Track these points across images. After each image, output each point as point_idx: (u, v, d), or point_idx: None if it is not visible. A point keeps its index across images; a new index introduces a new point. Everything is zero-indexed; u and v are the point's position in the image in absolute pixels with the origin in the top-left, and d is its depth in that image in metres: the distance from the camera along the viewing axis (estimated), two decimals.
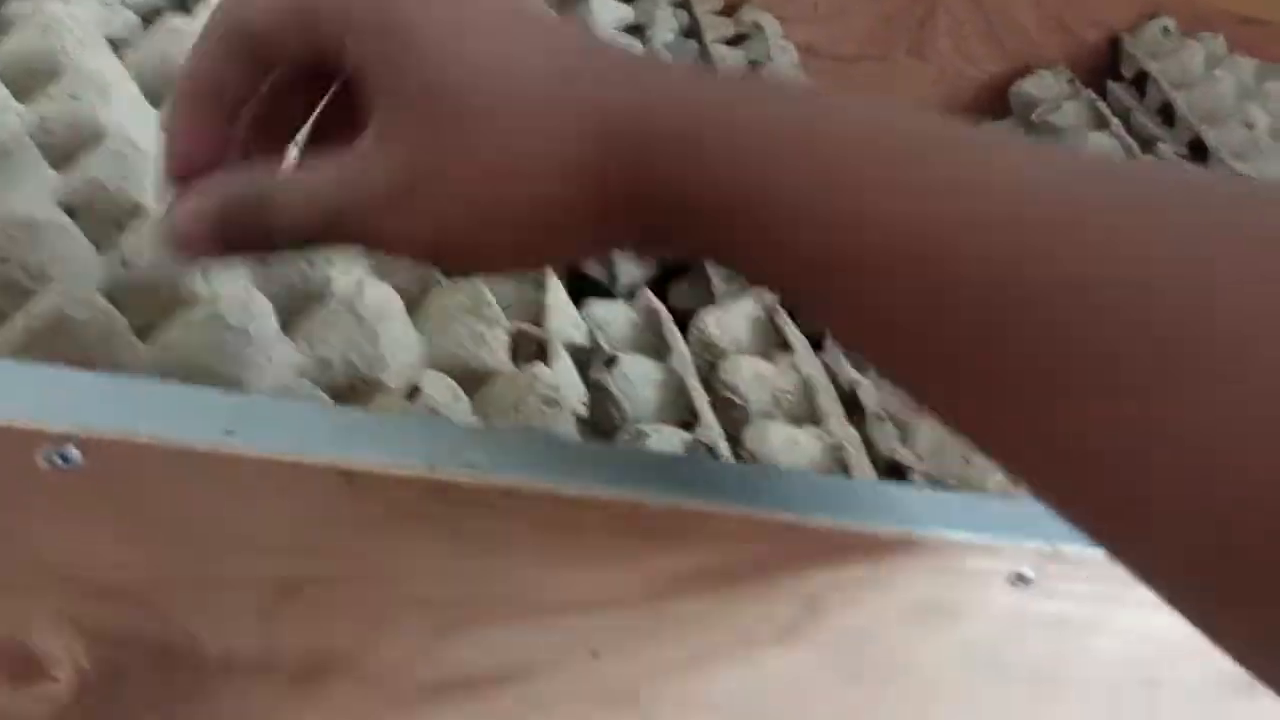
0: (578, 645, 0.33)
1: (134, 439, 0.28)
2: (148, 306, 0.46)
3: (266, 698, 0.32)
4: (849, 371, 0.70)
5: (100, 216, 0.50)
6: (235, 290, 0.44)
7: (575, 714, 0.34)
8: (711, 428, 0.66)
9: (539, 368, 0.48)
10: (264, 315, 0.45)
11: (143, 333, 0.45)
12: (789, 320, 0.74)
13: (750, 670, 0.35)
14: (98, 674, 0.31)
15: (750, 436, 0.67)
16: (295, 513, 0.30)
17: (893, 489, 0.35)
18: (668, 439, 0.56)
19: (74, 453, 0.27)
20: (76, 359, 0.39)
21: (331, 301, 0.50)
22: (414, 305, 0.51)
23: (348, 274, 0.52)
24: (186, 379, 0.42)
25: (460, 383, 0.48)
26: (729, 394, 0.70)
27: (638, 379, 0.69)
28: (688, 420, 0.69)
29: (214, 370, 0.43)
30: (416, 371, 0.51)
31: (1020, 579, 0.34)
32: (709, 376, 0.71)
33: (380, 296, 0.48)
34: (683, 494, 0.31)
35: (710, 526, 0.32)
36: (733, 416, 0.69)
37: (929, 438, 0.65)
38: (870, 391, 0.68)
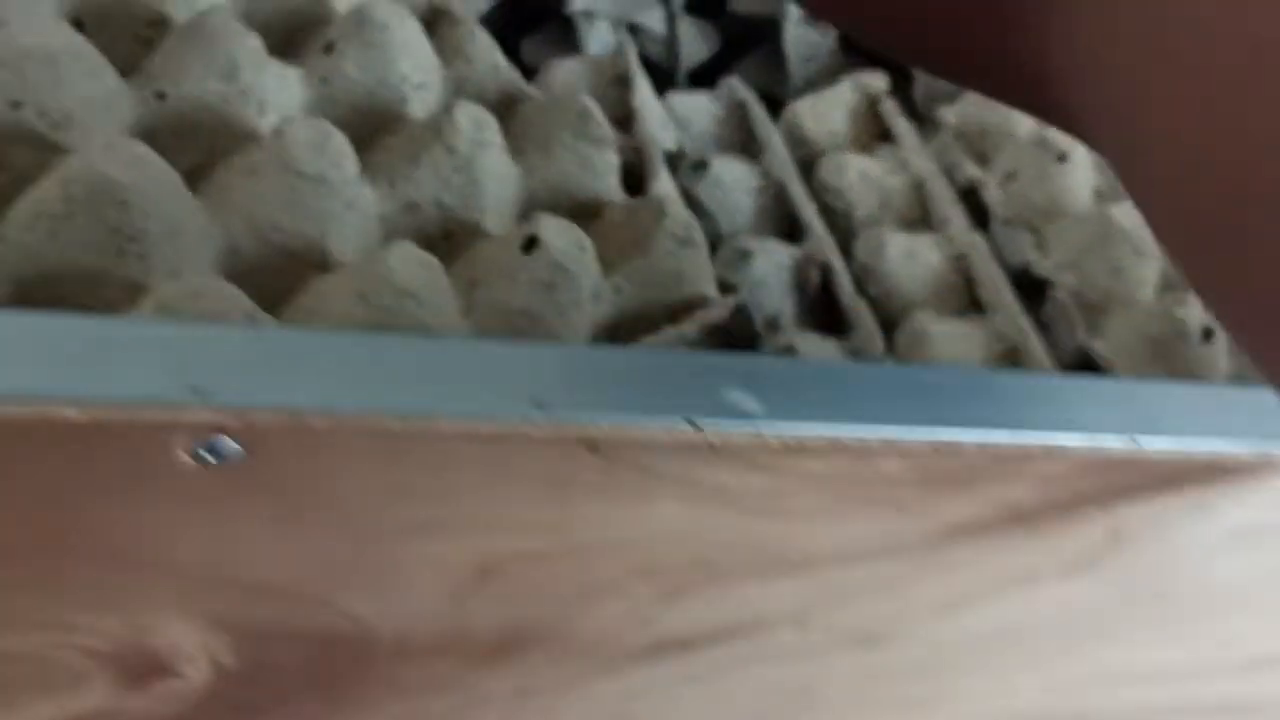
0: (829, 595, 0.27)
1: (304, 422, 0.20)
2: (193, 148, 0.38)
3: (452, 672, 0.26)
4: (968, 168, 0.61)
5: (118, 31, 0.40)
6: (303, 127, 0.35)
7: (816, 654, 0.28)
8: (823, 240, 0.58)
9: (664, 198, 0.40)
10: (342, 155, 0.37)
11: (191, 182, 0.37)
12: (895, 108, 0.65)
13: (1022, 605, 0.29)
14: (240, 669, 0.24)
15: (861, 248, 0.60)
16: (504, 489, 0.23)
17: (1235, 398, 0.28)
18: (815, 348, 0.48)
19: (227, 444, 0.20)
20: (125, 228, 0.31)
21: (413, 128, 0.41)
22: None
23: (424, 91, 0.43)
24: (254, 239, 0.34)
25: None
26: (830, 198, 0.62)
27: (731, 185, 0.61)
28: (790, 231, 0.61)
29: (285, 226, 0.35)
30: (518, 211, 0.42)
31: None
32: (805, 175, 0.63)
33: (472, 119, 0.39)
34: (988, 427, 0.24)
35: (1025, 467, 0.25)
36: (835, 223, 0.61)
37: (1066, 244, 0.58)
38: (993, 190, 0.60)
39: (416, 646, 0.26)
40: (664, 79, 0.71)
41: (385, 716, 0.28)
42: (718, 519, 0.25)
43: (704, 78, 0.75)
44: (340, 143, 0.37)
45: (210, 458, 0.20)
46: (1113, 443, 0.25)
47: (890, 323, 0.57)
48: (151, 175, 0.30)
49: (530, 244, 0.37)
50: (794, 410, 0.23)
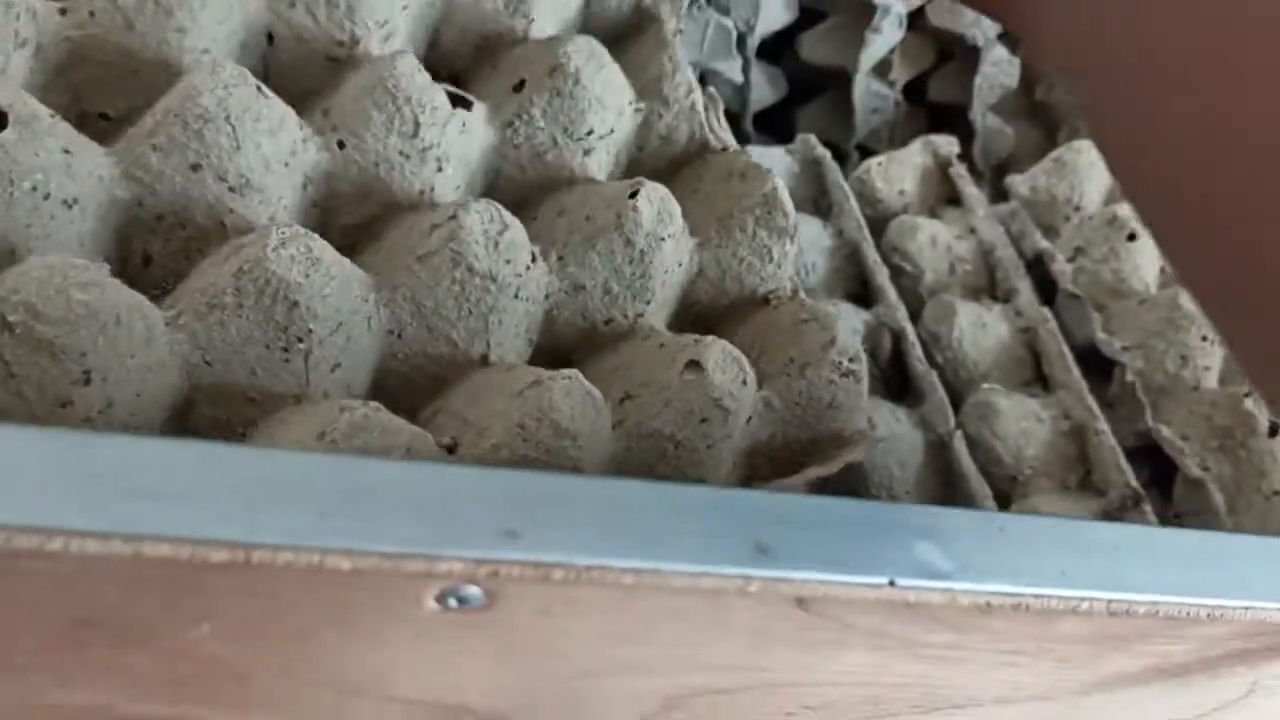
0: None
1: (549, 575, 0.21)
2: (367, 202, 0.38)
3: None
4: (1037, 240, 0.62)
5: (308, 49, 0.40)
6: (480, 216, 0.35)
7: None
8: (895, 308, 0.59)
9: (831, 317, 0.40)
10: (516, 249, 0.36)
11: (361, 240, 0.37)
12: (965, 174, 0.66)
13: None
14: None
15: (930, 315, 0.61)
16: (708, 635, 0.23)
17: None
18: (888, 418, 0.49)
19: (473, 592, 0.21)
20: (294, 328, 0.31)
21: (593, 204, 0.40)
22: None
23: (610, 141, 0.43)
24: (419, 326, 0.34)
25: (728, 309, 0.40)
26: (899, 260, 0.63)
27: (807, 245, 0.62)
28: (860, 293, 0.62)
29: (450, 317, 0.35)
30: (682, 291, 0.42)
31: None
32: (875, 238, 0.64)
33: (655, 210, 0.39)
34: (1150, 590, 0.25)
35: (1189, 630, 0.26)
36: (904, 287, 0.62)
37: (1132, 324, 0.59)
38: (1064, 266, 0.61)
39: None
40: (732, 121, 0.72)
41: None
42: (897, 665, 0.26)
43: (769, 120, 0.76)
44: (516, 235, 0.36)
45: (456, 604, 0.21)
46: (1270, 606, 0.26)
47: (956, 392, 0.58)
48: (323, 273, 0.30)
49: (690, 367, 0.36)
50: (983, 568, 0.24)
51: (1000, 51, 0.76)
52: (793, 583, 0.22)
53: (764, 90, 0.76)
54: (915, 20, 0.78)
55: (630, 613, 0.22)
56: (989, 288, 0.64)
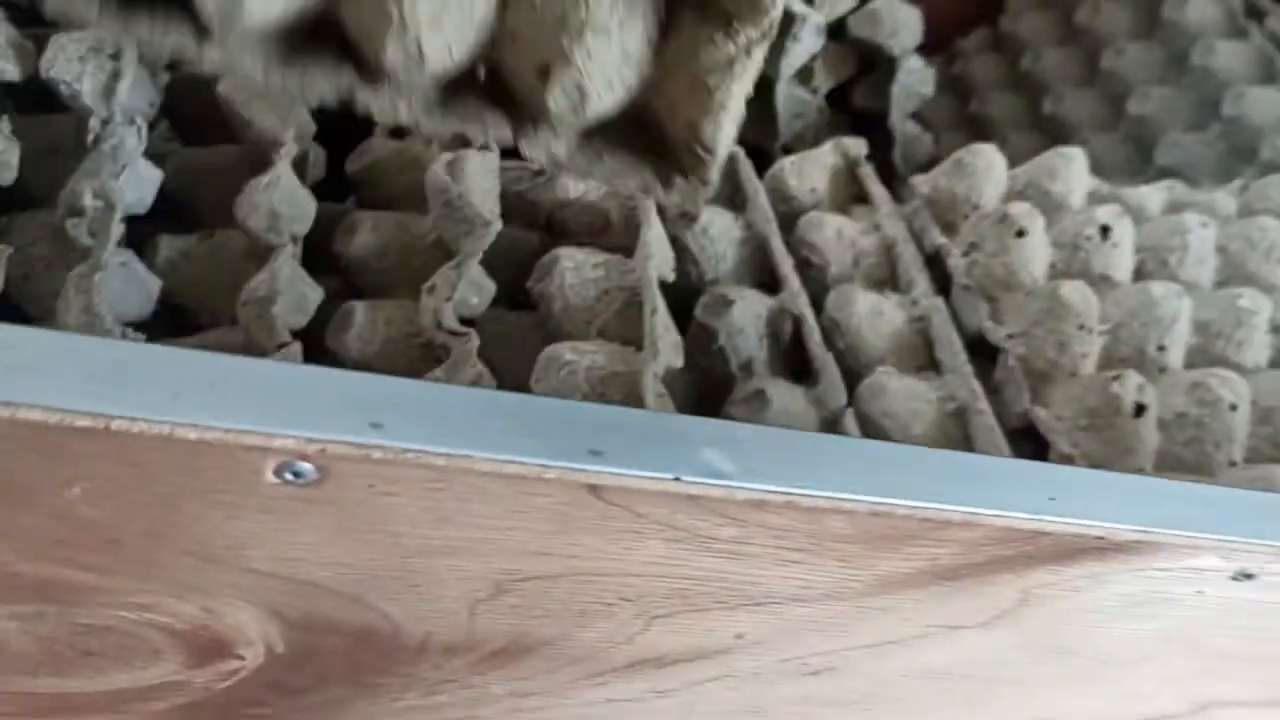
0: (782, 628, 0.32)
1: (369, 455, 0.25)
2: None
3: (463, 670, 0.31)
4: (935, 235, 0.67)
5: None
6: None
7: (767, 682, 0.33)
8: (798, 295, 0.63)
9: None
10: None
11: None
12: (872, 174, 0.70)
13: (945, 650, 0.34)
14: (289, 654, 0.29)
15: (832, 304, 0.65)
16: (527, 522, 0.27)
17: (1131, 486, 0.33)
18: (784, 394, 0.53)
19: (306, 467, 0.25)
20: None
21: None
22: None
23: None
24: None
25: None
26: (807, 252, 0.68)
27: (718, 235, 0.66)
28: (768, 281, 0.66)
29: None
30: None
31: (1244, 575, 0.33)
32: (785, 229, 0.68)
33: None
34: (927, 497, 0.29)
35: (947, 534, 0.30)
36: (810, 278, 0.66)
37: (1018, 315, 0.63)
38: (958, 261, 0.65)
39: (435, 646, 0.30)
40: None
41: (403, 706, 0.32)
42: (694, 558, 0.29)
43: None
44: None
45: (292, 478, 0.25)
46: (1021, 517, 0.30)
47: (854, 374, 0.62)
48: None
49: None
50: (760, 471, 0.28)
51: (915, 61, 0.80)
52: (586, 472, 0.26)
53: None
54: (837, 31, 0.82)
55: (445, 494, 0.26)
56: (890, 279, 0.68)
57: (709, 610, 0.31)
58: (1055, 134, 0.97)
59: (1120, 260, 0.67)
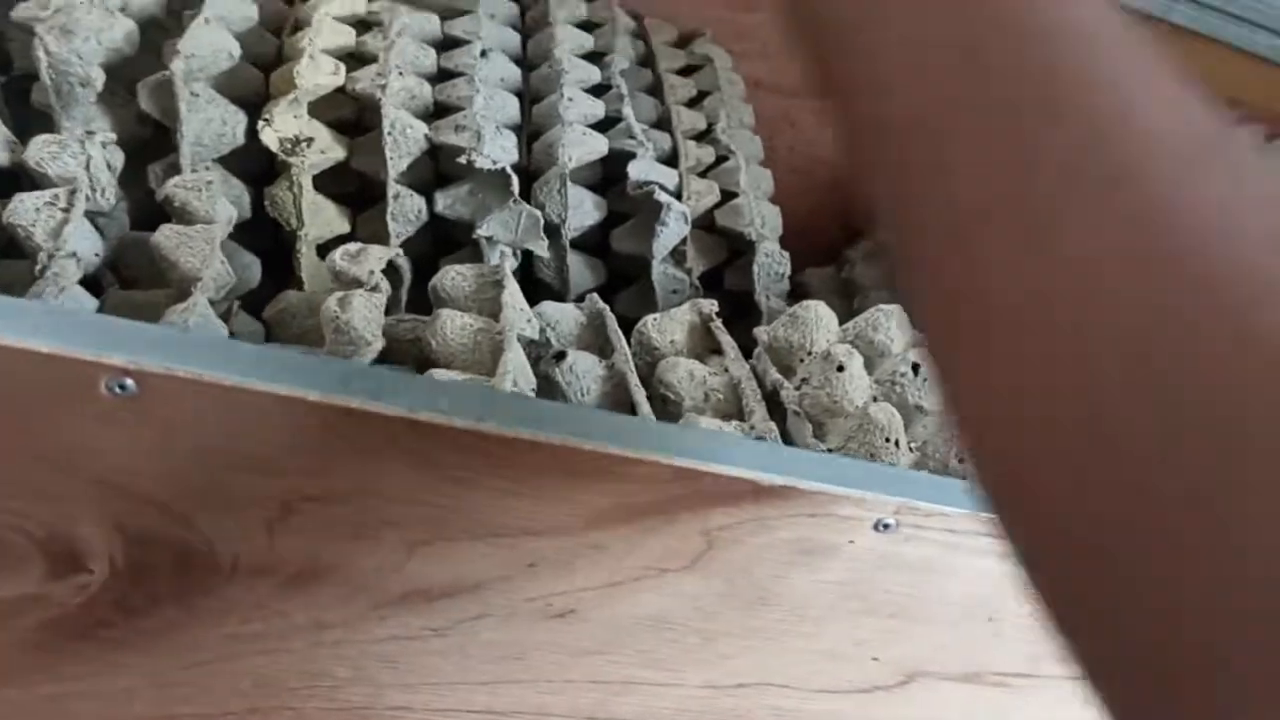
0: (520, 563, 0.41)
1: (176, 374, 0.35)
2: None
3: (270, 596, 0.40)
4: (773, 374, 0.78)
5: None
6: None
7: (523, 622, 0.42)
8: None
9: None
10: None
11: None
12: (721, 327, 0.82)
13: (662, 593, 0.43)
14: (128, 569, 0.38)
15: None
16: (300, 442, 0.37)
17: (776, 449, 0.43)
18: None
19: (129, 383, 0.35)
20: None
21: None
22: None
23: None
24: None
25: None
26: (665, 390, 0.78)
27: (583, 372, 0.77)
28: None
29: None
30: None
31: (883, 526, 0.42)
32: (648, 375, 0.79)
33: None
34: (609, 442, 0.39)
35: (630, 470, 0.40)
36: (668, 410, 0.77)
37: (839, 432, 0.73)
38: (791, 393, 0.76)
39: (247, 566, 0.39)
40: (557, 298, 0.88)
41: (225, 634, 0.41)
42: (435, 484, 0.39)
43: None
44: None
45: (120, 391, 0.35)
46: (689, 463, 0.39)
47: None
48: None
49: None
50: (478, 411, 0.38)
51: (771, 245, 0.94)
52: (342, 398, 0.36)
53: (584, 275, 0.94)
54: (707, 222, 0.96)
55: (221, 415, 0.36)
56: (736, 412, 0.78)
57: (457, 540, 0.40)
58: None
59: (931, 393, 0.78)
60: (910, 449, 0.73)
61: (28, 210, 0.61)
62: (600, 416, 0.40)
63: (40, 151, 0.61)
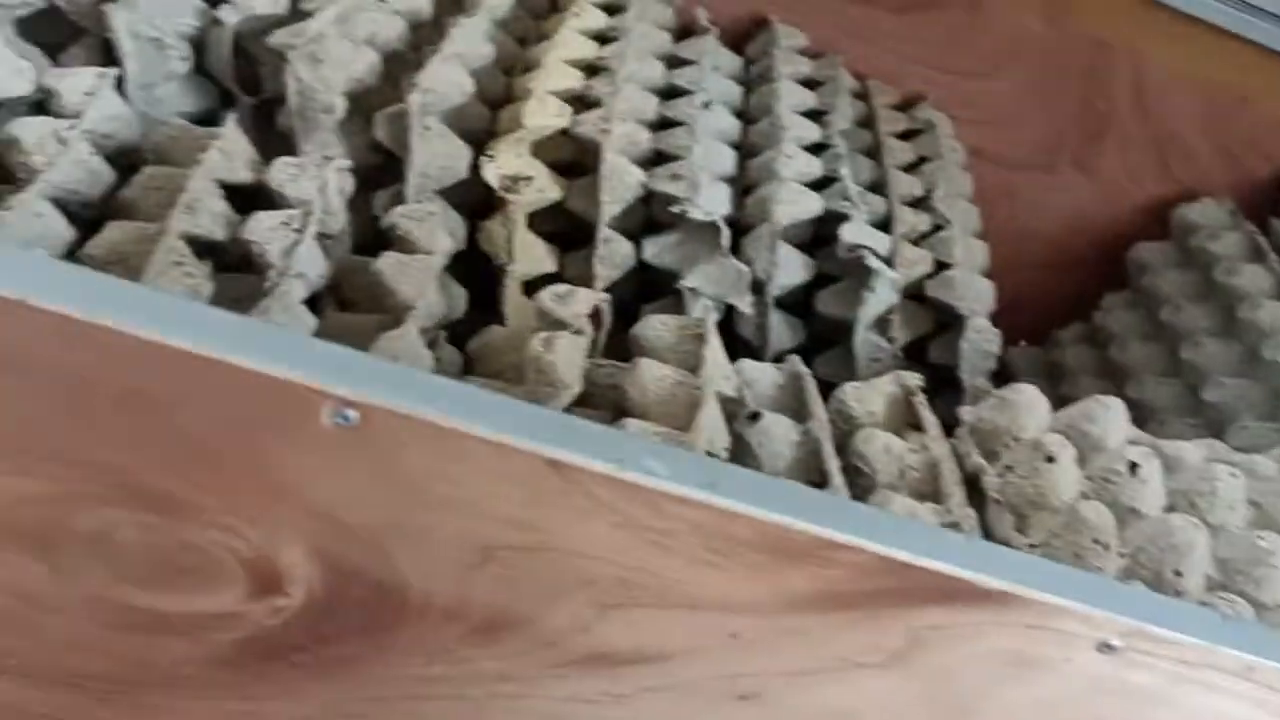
0: (712, 638, 0.39)
1: (398, 409, 0.35)
2: None
3: (456, 641, 0.39)
4: (976, 458, 0.74)
5: None
6: None
7: (705, 700, 0.40)
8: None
9: None
10: None
11: None
12: (924, 402, 0.79)
13: (854, 688, 0.40)
14: (325, 596, 0.38)
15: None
16: (508, 491, 0.37)
17: (1000, 549, 0.41)
18: None
19: (352, 414, 0.35)
20: None
21: None
22: None
23: None
24: None
25: None
26: (859, 462, 0.76)
27: (777, 436, 0.75)
28: (817, 481, 0.74)
29: None
30: None
31: (1107, 647, 0.39)
32: (843, 444, 0.77)
33: None
34: (819, 522, 0.37)
35: (838, 555, 0.38)
36: (860, 484, 0.74)
37: (1042, 526, 0.69)
38: (994, 480, 0.73)
39: (436, 608, 0.39)
40: (754, 355, 0.87)
41: (408, 676, 0.41)
42: (632, 548, 0.37)
43: None
44: None
45: (342, 421, 0.35)
46: (898, 552, 0.37)
47: None
48: None
49: None
50: (688, 477, 0.36)
51: (982, 321, 0.90)
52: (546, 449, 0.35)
53: (784, 335, 0.92)
54: (916, 293, 0.94)
55: (436, 454, 0.35)
56: (933, 494, 0.75)
57: (648, 607, 0.39)
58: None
59: (1147, 496, 0.73)
60: (1120, 555, 0.69)
61: (264, 229, 0.63)
62: (811, 495, 0.38)
63: (282, 173, 0.63)
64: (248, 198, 0.65)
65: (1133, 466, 0.73)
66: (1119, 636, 0.39)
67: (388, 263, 0.67)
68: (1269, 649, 0.42)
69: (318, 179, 0.67)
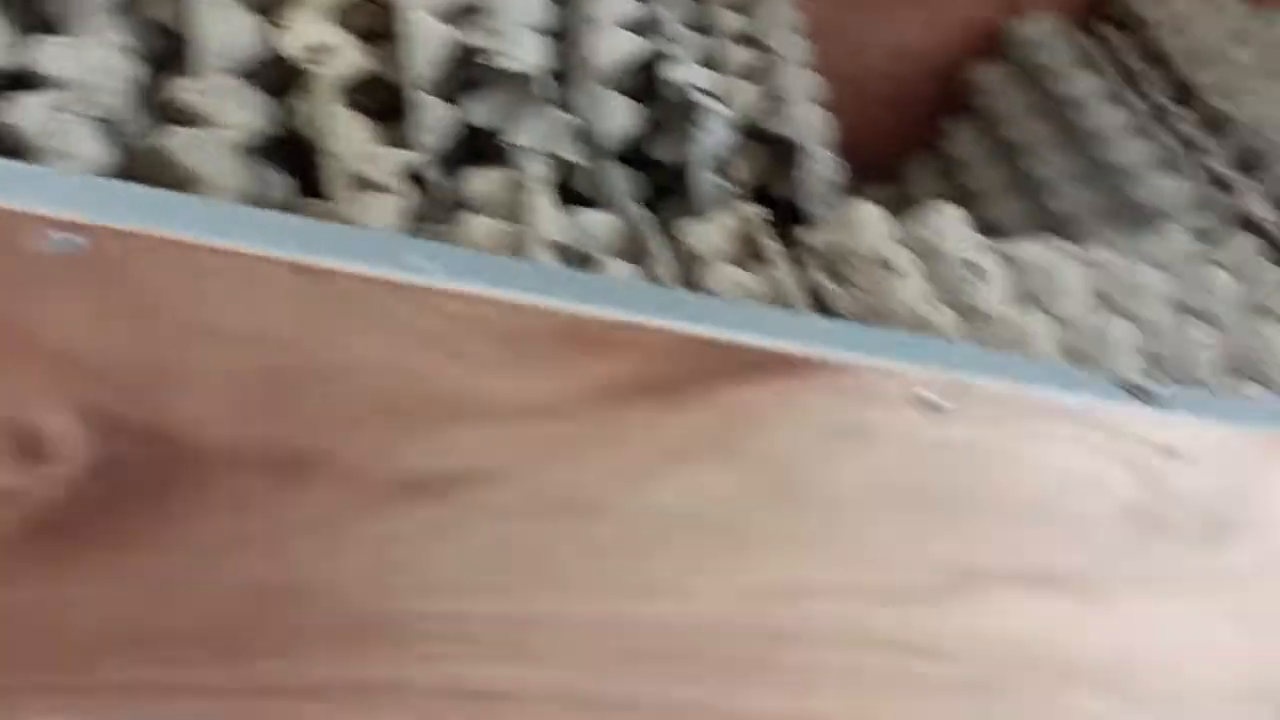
0: (529, 446, 0.37)
1: (118, 227, 0.32)
2: None
3: (244, 490, 0.37)
4: (820, 278, 0.74)
5: None
6: None
7: (530, 520, 0.38)
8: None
9: None
10: None
11: None
12: (766, 231, 0.78)
13: (690, 485, 0.39)
14: (94, 455, 0.35)
15: None
16: (264, 307, 0.34)
17: (798, 317, 0.39)
18: None
19: (79, 239, 0.32)
20: None
21: None
22: None
23: None
24: None
25: None
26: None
27: None
28: None
29: None
30: None
31: (926, 404, 0.38)
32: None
33: None
34: (615, 308, 0.35)
35: (639, 339, 0.36)
36: None
37: None
38: (838, 296, 0.72)
39: (223, 453, 0.36)
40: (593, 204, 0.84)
41: (204, 533, 0.38)
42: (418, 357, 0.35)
43: None
44: None
45: (67, 247, 0.31)
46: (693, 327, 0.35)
47: None
48: None
49: None
50: (460, 272, 0.34)
51: (821, 150, 0.89)
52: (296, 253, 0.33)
53: (626, 187, 0.89)
54: (755, 132, 0.91)
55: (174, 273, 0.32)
56: None
57: (446, 421, 0.37)
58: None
59: (991, 295, 0.73)
60: None
61: (28, 112, 0.58)
62: (595, 279, 0.36)
63: (47, 53, 0.58)
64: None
65: (971, 266, 0.73)
66: (936, 392, 0.38)
67: (177, 139, 0.62)
68: (1102, 391, 0.42)
69: (89, 60, 0.62)
